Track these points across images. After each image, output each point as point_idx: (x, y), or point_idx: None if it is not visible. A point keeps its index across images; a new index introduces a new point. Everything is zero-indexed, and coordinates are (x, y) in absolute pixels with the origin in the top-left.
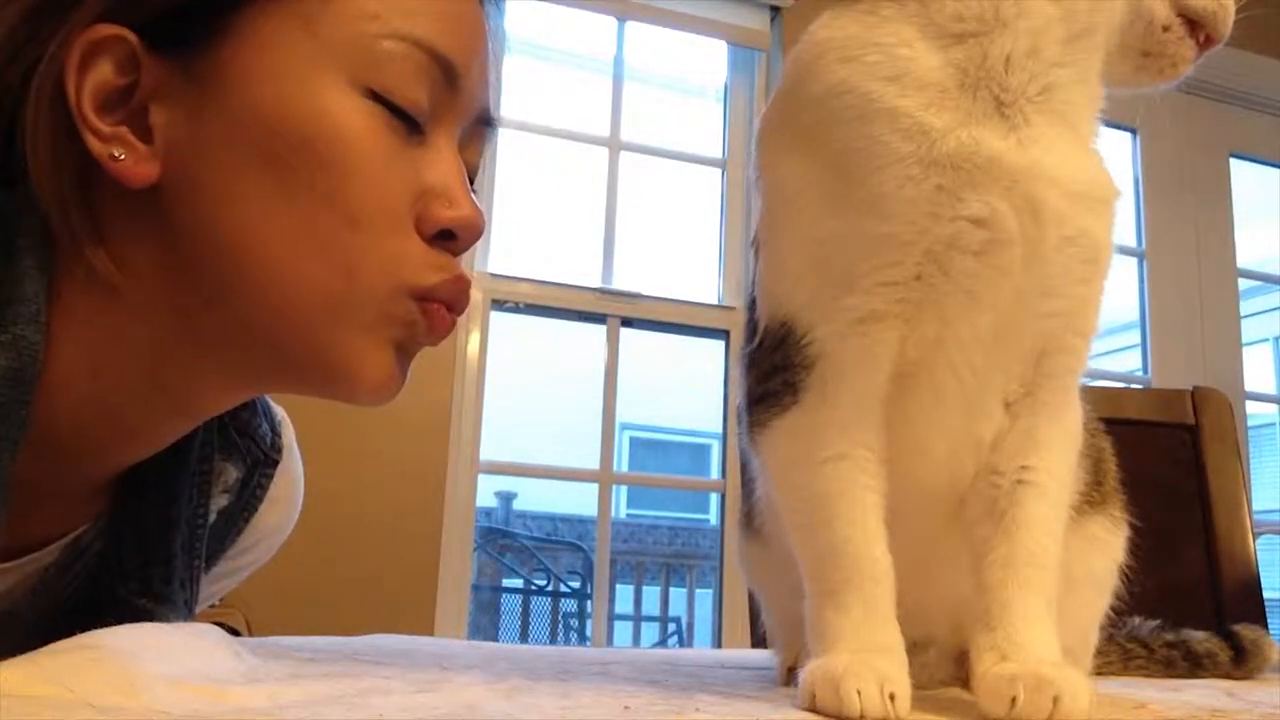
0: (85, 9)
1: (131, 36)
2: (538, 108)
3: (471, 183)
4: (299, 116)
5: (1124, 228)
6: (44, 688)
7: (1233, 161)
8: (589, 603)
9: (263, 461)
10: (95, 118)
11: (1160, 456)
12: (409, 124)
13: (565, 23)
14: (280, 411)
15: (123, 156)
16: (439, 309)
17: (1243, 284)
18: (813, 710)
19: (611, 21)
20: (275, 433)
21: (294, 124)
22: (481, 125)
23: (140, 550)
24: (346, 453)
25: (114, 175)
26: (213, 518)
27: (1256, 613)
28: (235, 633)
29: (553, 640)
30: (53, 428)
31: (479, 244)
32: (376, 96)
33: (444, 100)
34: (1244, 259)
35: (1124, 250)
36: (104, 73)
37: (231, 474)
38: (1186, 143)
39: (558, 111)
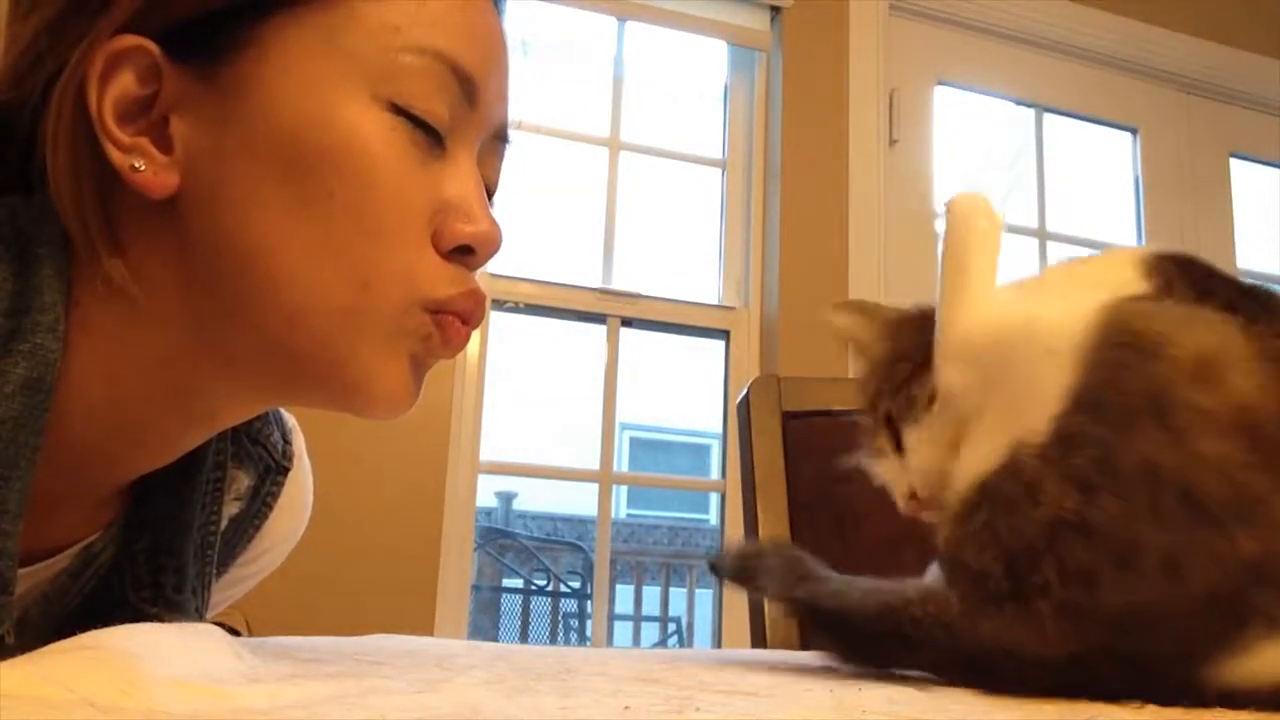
0: (108, 20)
1: (153, 47)
2: (538, 108)
3: (491, 198)
4: (320, 128)
5: (1124, 228)
6: (44, 688)
7: (1233, 161)
8: (589, 603)
9: (274, 469)
10: (116, 128)
11: None
12: (430, 136)
13: (565, 23)
14: (291, 419)
15: (143, 167)
16: (453, 321)
17: None
18: None
19: (611, 21)
20: (286, 440)
21: (315, 135)
22: (498, 141)
23: (152, 557)
24: (346, 453)
25: (134, 185)
26: (224, 525)
27: None
28: (235, 633)
29: (553, 640)
30: (69, 436)
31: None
32: (398, 109)
33: (463, 115)
34: (1244, 259)
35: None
36: (125, 83)
37: (243, 481)
38: (1186, 143)
39: (558, 111)
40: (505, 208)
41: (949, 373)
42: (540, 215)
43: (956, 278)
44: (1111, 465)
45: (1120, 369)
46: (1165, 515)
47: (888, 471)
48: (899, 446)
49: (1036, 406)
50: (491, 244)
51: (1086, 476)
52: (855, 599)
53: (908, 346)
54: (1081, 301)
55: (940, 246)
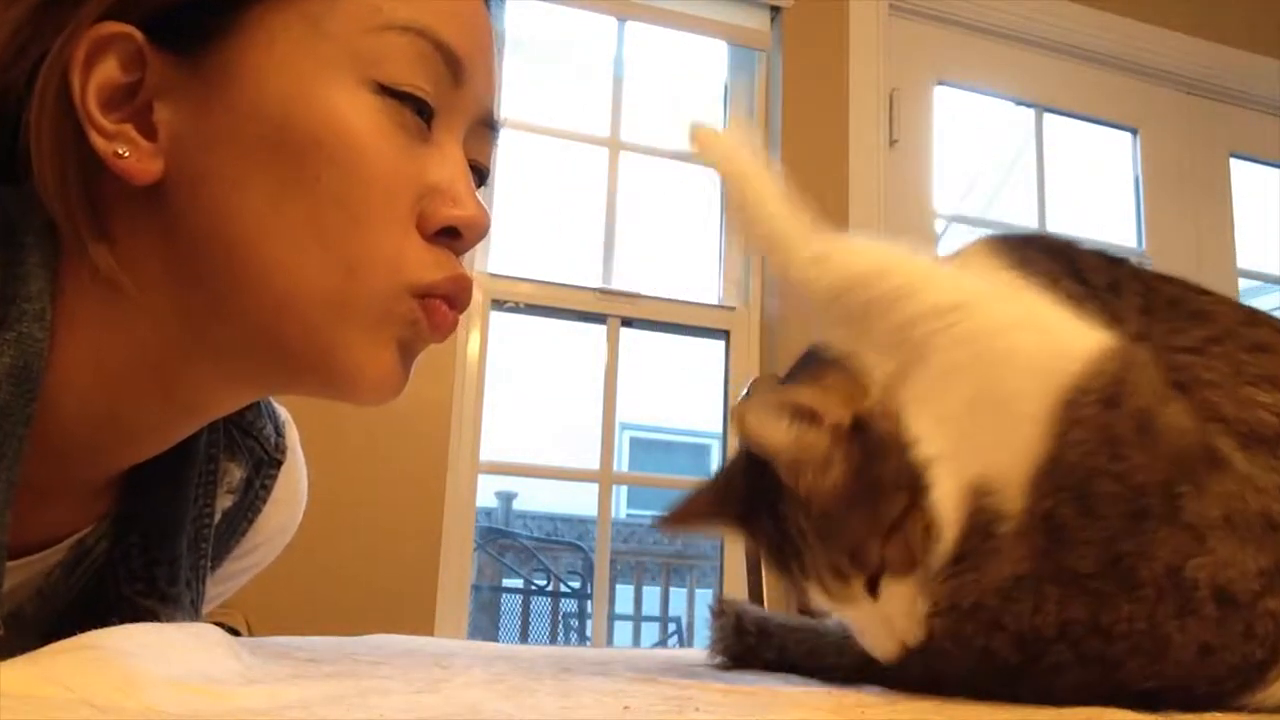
0: (91, 6)
1: (137, 34)
2: (538, 108)
3: (483, 183)
4: (305, 114)
5: (1124, 228)
6: (44, 688)
7: (1233, 161)
8: (589, 603)
9: (267, 462)
10: (100, 115)
11: None
12: (416, 115)
13: (565, 23)
14: (284, 413)
15: (127, 154)
16: (440, 305)
17: (1243, 284)
18: None
19: (611, 21)
20: (279, 433)
21: (300, 122)
22: (486, 129)
23: (146, 550)
24: (346, 452)
25: (118, 173)
26: (218, 518)
27: None
28: (235, 633)
29: (553, 640)
30: (57, 427)
31: (480, 243)
32: (383, 89)
33: (449, 96)
34: (1244, 259)
35: (1124, 251)
36: (109, 70)
37: (236, 474)
38: (1186, 143)
39: (558, 111)
40: (506, 207)
41: (835, 336)
42: (540, 215)
43: (765, 225)
44: (1127, 571)
45: (1113, 454)
46: (1198, 614)
47: (860, 619)
48: (874, 591)
49: (997, 450)
50: (478, 227)
51: (1095, 583)
52: (830, 657)
53: (885, 467)
54: (1047, 329)
55: (726, 202)
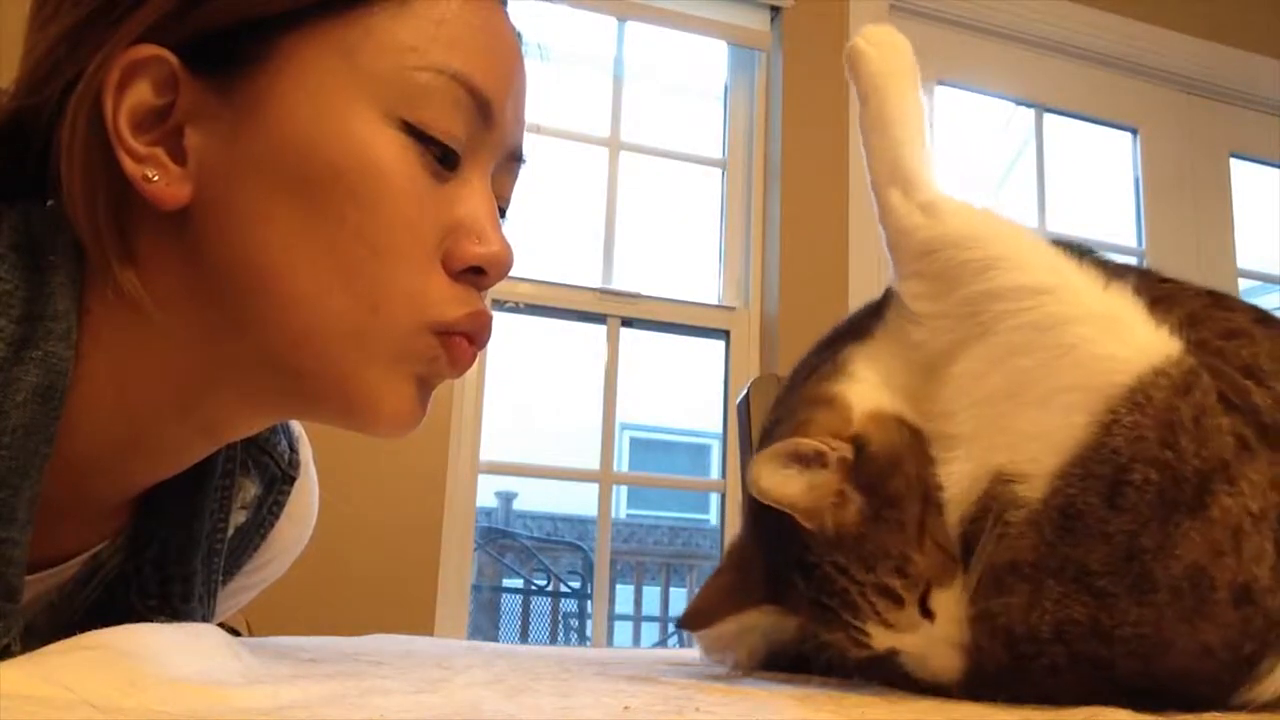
0: (126, 29)
1: (172, 58)
2: (538, 108)
3: (503, 215)
4: (334, 147)
5: (1124, 228)
6: (44, 688)
7: (1233, 161)
8: (589, 603)
9: (280, 478)
10: (131, 137)
11: None
12: (445, 156)
13: (565, 23)
14: (297, 428)
15: (156, 178)
16: (460, 342)
17: (1243, 284)
18: None
19: (611, 21)
20: (293, 449)
21: (328, 154)
22: (513, 161)
23: (160, 567)
24: (346, 453)
25: (147, 196)
26: (230, 534)
27: None
28: (235, 633)
29: (553, 640)
30: (78, 445)
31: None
32: (412, 129)
33: (478, 136)
34: (1244, 259)
35: (1124, 250)
36: (142, 92)
37: (250, 490)
38: (1186, 143)
39: (558, 111)
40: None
41: (911, 287)
42: (540, 215)
43: (891, 151)
44: (1141, 571)
45: (1165, 440)
46: (1211, 617)
47: (921, 648)
48: (928, 613)
49: (1031, 440)
50: (502, 265)
51: (1101, 581)
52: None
53: (896, 479)
54: (1127, 325)
55: (860, 110)
